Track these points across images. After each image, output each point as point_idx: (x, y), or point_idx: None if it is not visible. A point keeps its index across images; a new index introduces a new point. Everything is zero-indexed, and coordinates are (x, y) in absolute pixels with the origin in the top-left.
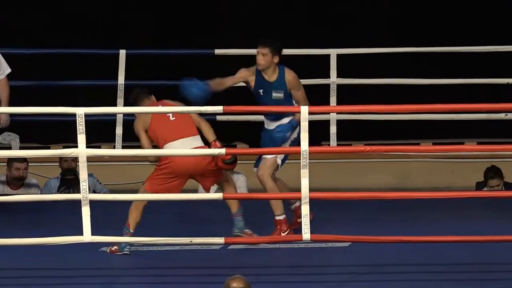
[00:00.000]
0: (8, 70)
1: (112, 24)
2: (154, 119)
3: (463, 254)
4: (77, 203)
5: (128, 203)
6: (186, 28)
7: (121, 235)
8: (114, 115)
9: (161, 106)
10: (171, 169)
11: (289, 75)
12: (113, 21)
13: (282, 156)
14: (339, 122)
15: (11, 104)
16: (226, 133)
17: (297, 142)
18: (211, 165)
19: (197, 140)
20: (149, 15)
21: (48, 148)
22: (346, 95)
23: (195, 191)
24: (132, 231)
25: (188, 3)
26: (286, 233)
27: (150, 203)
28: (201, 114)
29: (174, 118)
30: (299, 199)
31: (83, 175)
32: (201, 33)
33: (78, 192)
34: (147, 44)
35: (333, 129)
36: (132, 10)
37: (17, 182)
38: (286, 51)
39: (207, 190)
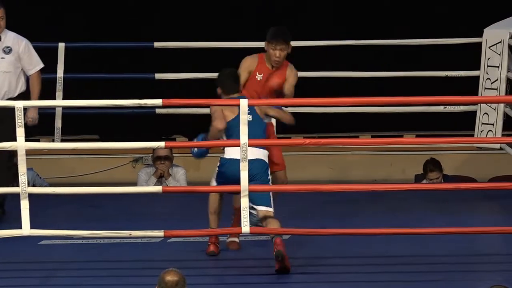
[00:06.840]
0: (41, 65)
1: (52, 17)
2: None
3: (400, 247)
4: (16, 197)
5: (67, 196)
6: (126, 21)
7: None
8: (53, 108)
9: None
10: None
11: None
12: (52, 14)
13: None
14: None
15: None
16: (165, 126)
17: None
18: None
19: None
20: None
21: None
22: None
23: (135, 184)
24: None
25: None
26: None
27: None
28: (140, 107)
29: None
30: None
31: (22, 168)
32: (140, 26)
33: (17, 185)
34: (87, 37)
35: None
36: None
37: None
38: (231, 44)
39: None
